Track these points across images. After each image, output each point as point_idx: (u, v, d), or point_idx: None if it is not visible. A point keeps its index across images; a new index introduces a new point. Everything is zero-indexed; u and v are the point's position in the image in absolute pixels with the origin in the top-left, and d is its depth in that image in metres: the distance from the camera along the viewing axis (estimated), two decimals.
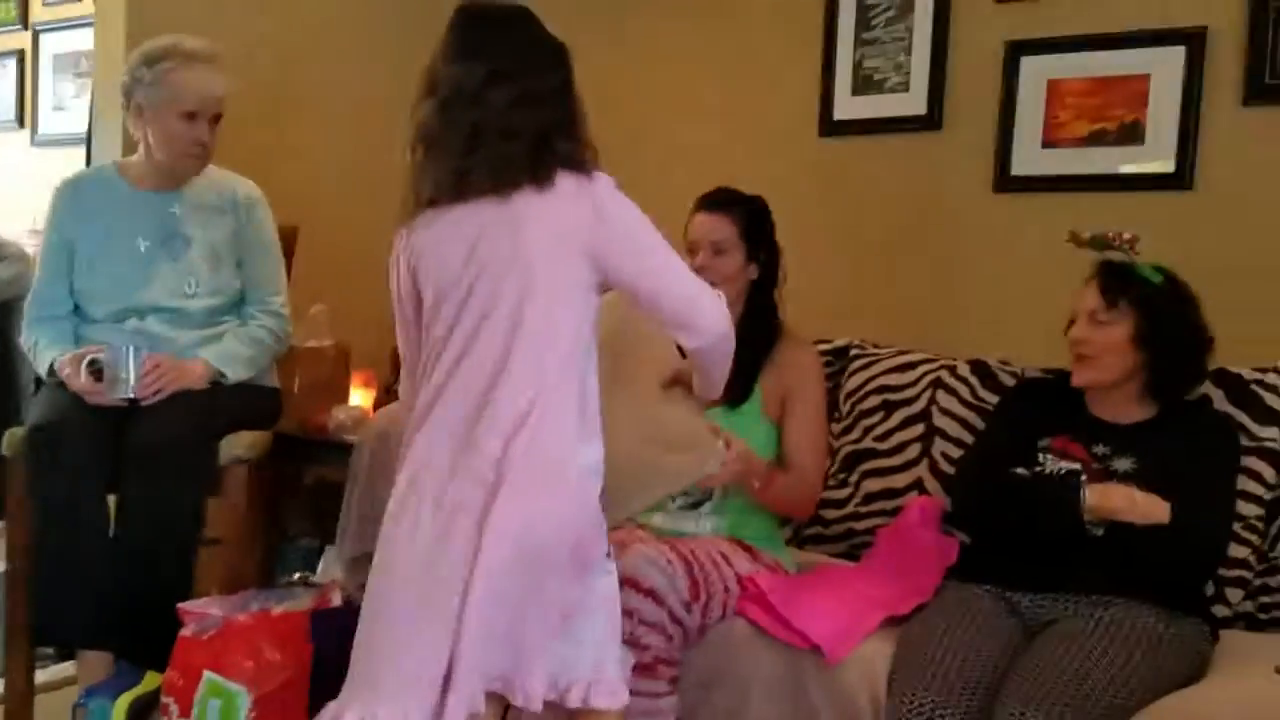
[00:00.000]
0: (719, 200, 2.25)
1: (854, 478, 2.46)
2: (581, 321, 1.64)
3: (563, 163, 1.63)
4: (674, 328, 1.70)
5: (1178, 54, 2.42)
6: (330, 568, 2.57)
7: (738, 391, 2.16)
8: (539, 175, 1.61)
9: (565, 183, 1.63)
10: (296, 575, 2.71)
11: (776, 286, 2.28)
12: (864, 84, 2.84)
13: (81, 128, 4.38)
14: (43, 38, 5.07)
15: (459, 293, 1.62)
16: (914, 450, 2.41)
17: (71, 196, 2.44)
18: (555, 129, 1.64)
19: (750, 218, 2.24)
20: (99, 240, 2.40)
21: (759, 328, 2.22)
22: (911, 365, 2.50)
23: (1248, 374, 2.13)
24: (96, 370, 2.24)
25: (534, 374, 1.59)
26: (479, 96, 1.62)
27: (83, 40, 4.66)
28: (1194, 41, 2.40)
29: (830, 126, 2.90)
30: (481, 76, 1.62)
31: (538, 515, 1.56)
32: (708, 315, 1.68)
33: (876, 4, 2.81)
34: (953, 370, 2.44)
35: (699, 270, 2.17)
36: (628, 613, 1.89)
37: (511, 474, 1.56)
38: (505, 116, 1.61)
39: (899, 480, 2.40)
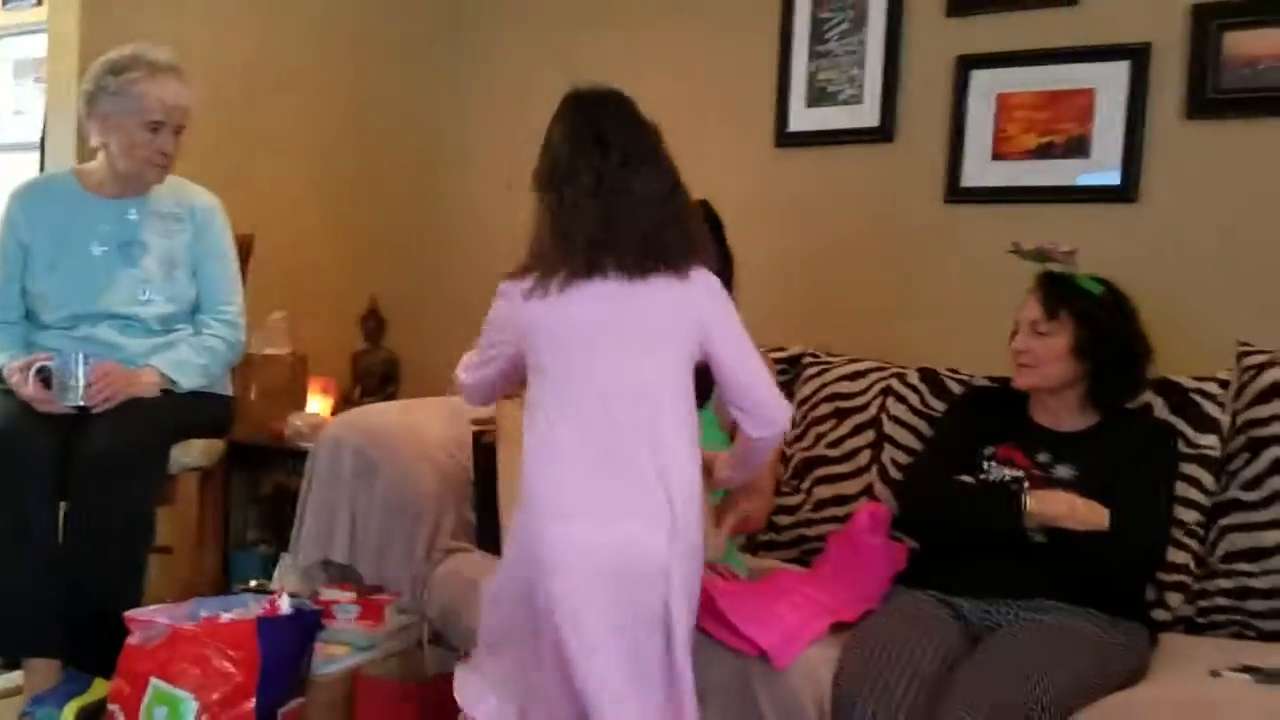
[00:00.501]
0: None
1: (806, 484, 2.48)
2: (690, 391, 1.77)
3: (688, 251, 1.75)
4: (753, 416, 1.77)
5: (1122, 69, 2.47)
6: (285, 575, 2.56)
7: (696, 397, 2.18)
8: (674, 263, 1.73)
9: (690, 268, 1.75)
10: (253, 582, 2.70)
11: (731, 289, 2.28)
12: (818, 96, 2.87)
13: (37, 134, 4.35)
14: (2, 42, 5.02)
15: (587, 358, 1.71)
16: (865, 457, 2.43)
17: (27, 200, 2.44)
18: (678, 217, 1.76)
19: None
20: (54, 245, 2.39)
21: None
22: (863, 373, 2.53)
23: (1188, 383, 2.17)
24: (45, 378, 2.23)
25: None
26: (620, 184, 1.72)
27: (43, 46, 4.63)
28: (1138, 57, 2.45)
29: (785, 137, 2.93)
30: (618, 163, 1.73)
31: None
32: (784, 411, 1.80)
33: (830, 17, 2.85)
34: (903, 378, 2.47)
35: None
36: None
37: None
38: (643, 204, 1.72)
39: (850, 487, 2.43)
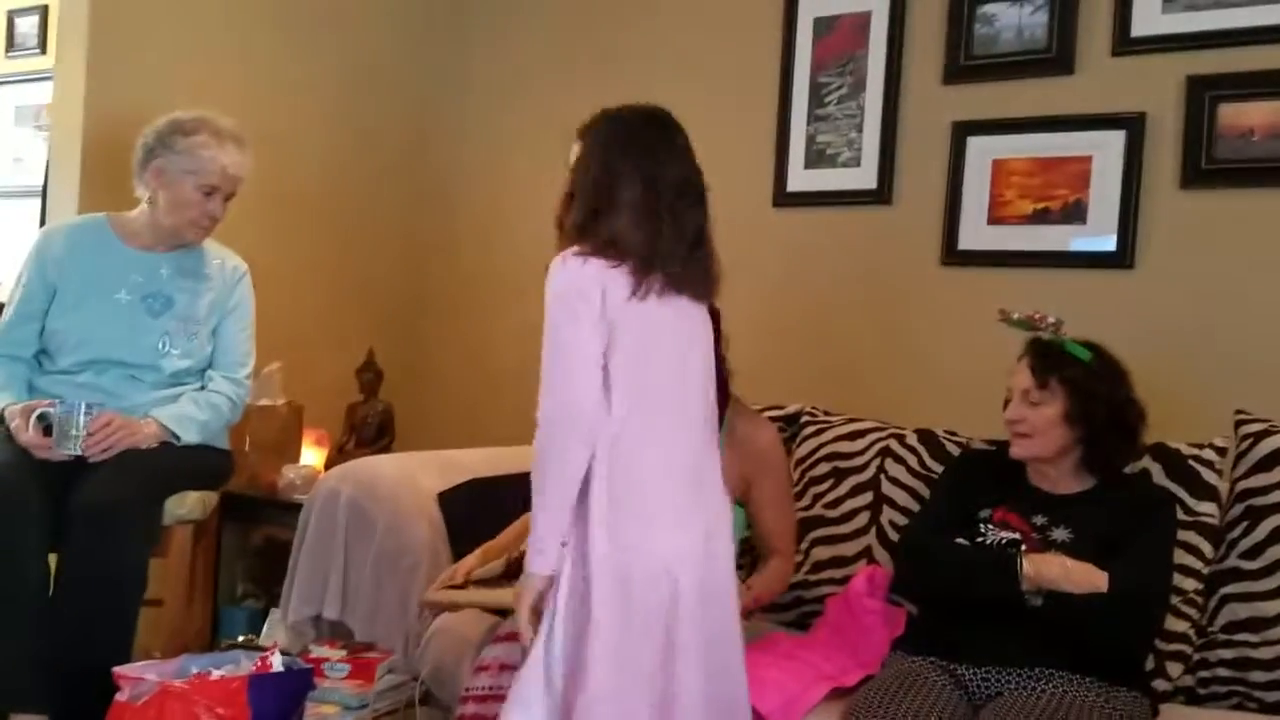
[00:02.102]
0: None
1: (804, 545, 2.47)
2: None
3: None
4: None
5: (1118, 138, 2.51)
6: (275, 630, 2.53)
7: None
8: (714, 291, 1.80)
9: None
10: (241, 638, 2.67)
11: (722, 345, 2.29)
12: (816, 158, 2.91)
13: (40, 180, 4.36)
14: (3, 90, 5.06)
15: (674, 374, 1.72)
16: (863, 519, 2.43)
17: (59, 241, 2.46)
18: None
19: None
20: (81, 287, 2.41)
21: None
22: (861, 433, 2.53)
23: (1185, 449, 2.17)
24: (47, 424, 2.22)
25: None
26: (698, 201, 1.75)
27: (44, 93, 4.66)
28: (1134, 126, 2.49)
29: (783, 197, 2.96)
30: (695, 180, 1.77)
31: None
32: None
33: (829, 82, 2.89)
34: (901, 439, 2.47)
35: None
36: None
37: None
38: (705, 227, 1.76)
39: (848, 549, 2.42)
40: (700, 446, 1.73)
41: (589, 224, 1.68)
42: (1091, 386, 1.99)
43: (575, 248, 1.67)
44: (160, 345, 2.41)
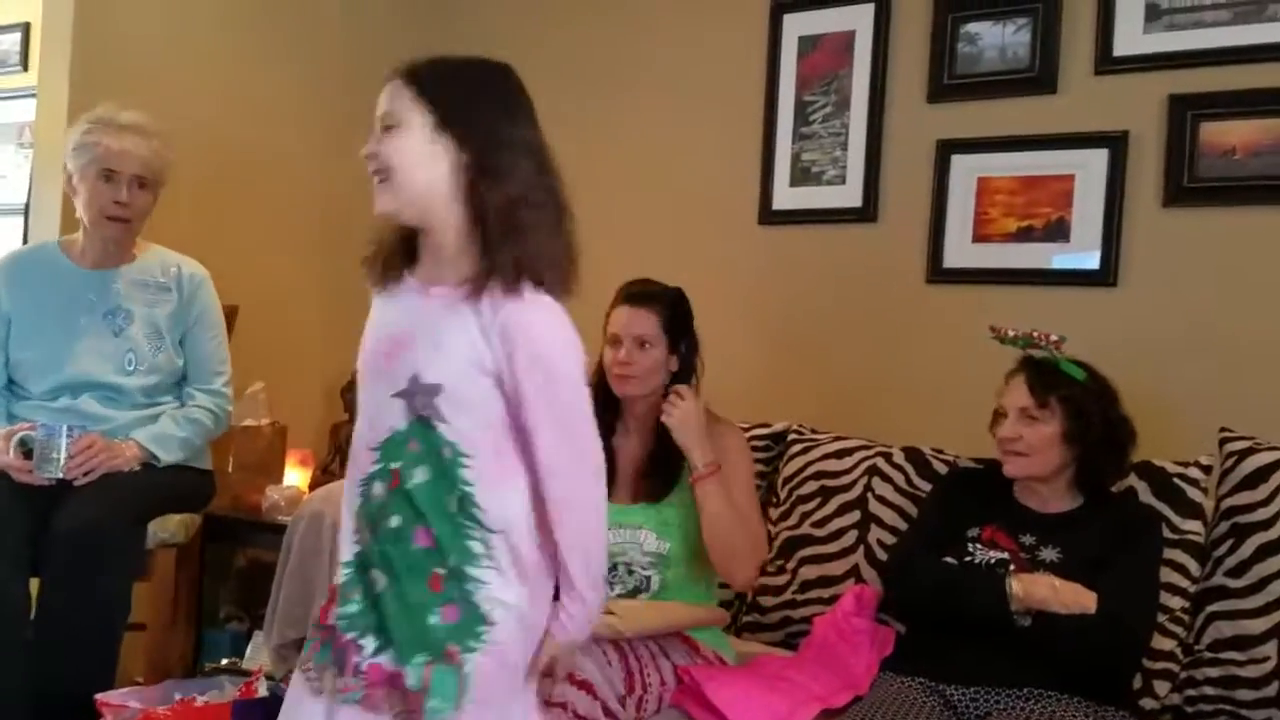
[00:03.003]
0: (642, 294, 2.24)
1: (791, 564, 2.47)
2: None
3: None
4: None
5: (1101, 156, 2.52)
6: (258, 654, 2.51)
7: (659, 487, 2.18)
8: None
9: None
10: (224, 661, 2.64)
11: (696, 377, 2.29)
12: (802, 176, 2.92)
13: (21, 198, 4.33)
14: None
15: None
16: (850, 537, 2.42)
17: (11, 272, 2.43)
18: None
19: (673, 310, 2.23)
20: (38, 315, 2.38)
21: None
22: (848, 451, 2.53)
23: (1171, 468, 2.18)
24: (27, 449, 2.20)
25: None
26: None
27: (26, 111, 4.64)
28: (1116, 145, 2.50)
29: (769, 215, 2.96)
30: None
31: None
32: None
33: (814, 100, 2.90)
34: (888, 457, 2.47)
35: (622, 364, 2.19)
36: (560, 705, 1.87)
37: None
38: None
39: (836, 568, 2.41)
40: None
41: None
42: (1088, 405, 2.00)
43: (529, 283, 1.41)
44: (127, 363, 2.38)
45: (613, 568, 2.23)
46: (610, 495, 2.22)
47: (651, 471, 2.22)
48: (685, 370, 2.27)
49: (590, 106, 3.27)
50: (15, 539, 2.13)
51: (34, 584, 2.18)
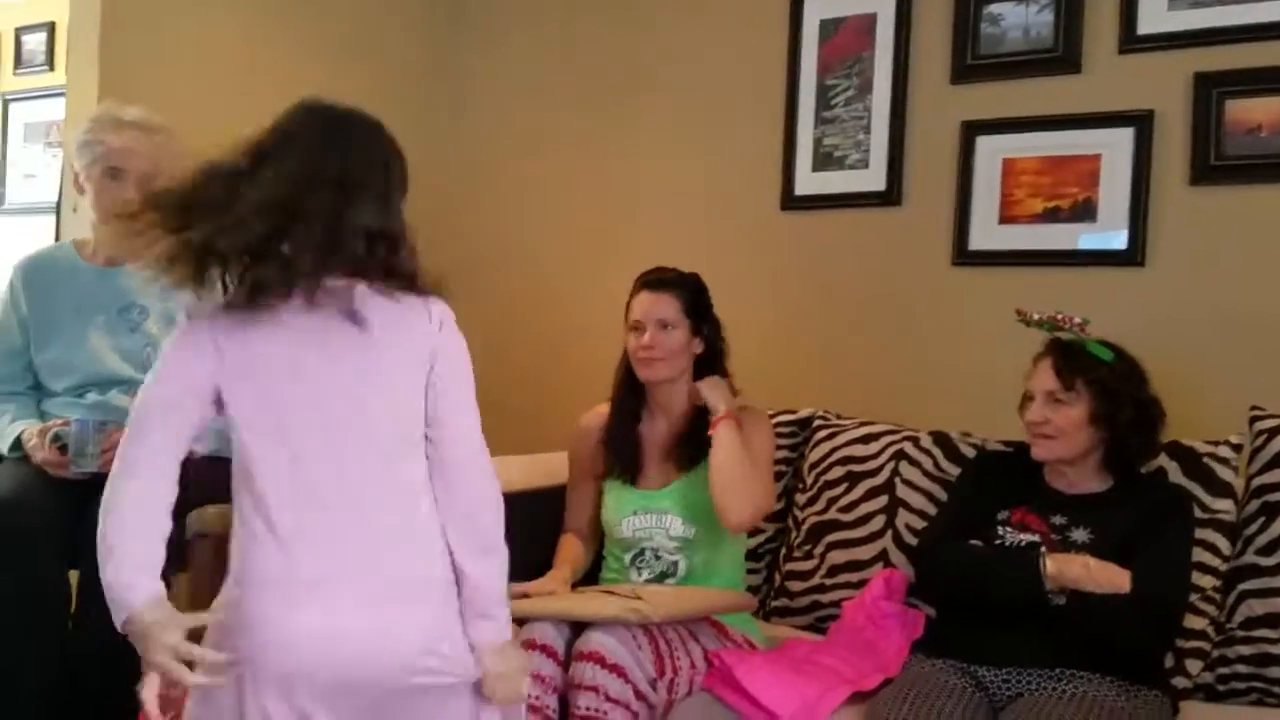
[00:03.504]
0: (660, 280, 2.29)
1: (819, 549, 2.47)
2: None
3: None
4: None
5: (1127, 136, 2.50)
6: None
7: (685, 460, 2.21)
8: None
9: None
10: None
11: (724, 358, 2.31)
12: (824, 160, 2.91)
13: (51, 196, 4.37)
14: (13, 106, 5.08)
15: None
16: (878, 522, 2.43)
17: (28, 275, 2.47)
18: None
19: (692, 294, 2.28)
20: (56, 316, 2.41)
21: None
22: (875, 436, 2.53)
23: (1201, 447, 2.17)
24: (62, 444, 2.23)
25: None
26: None
27: (54, 110, 4.69)
28: (1142, 123, 2.49)
29: (791, 201, 2.96)
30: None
31: None
32: None
33: (836, 84, 2.89)
34: (915, 441, 2.47)
35: (647, 347, 2.21)
36: (593, 688, 1.89)
37: None
38: None
39: (864, 552, 2.42)
40: None
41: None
42: (1116, 387, 1.99)
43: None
44: (146, 358, 2.41)
45: (640, 553, 2.25)
46: (637, 481, 2.27)
47: (678, 450, 2.24)
48: (710, 354, 2.29)
49: (612, 95, 3.28)
50: (55, 532, 2.16)
51: (73, 577, 2.22)
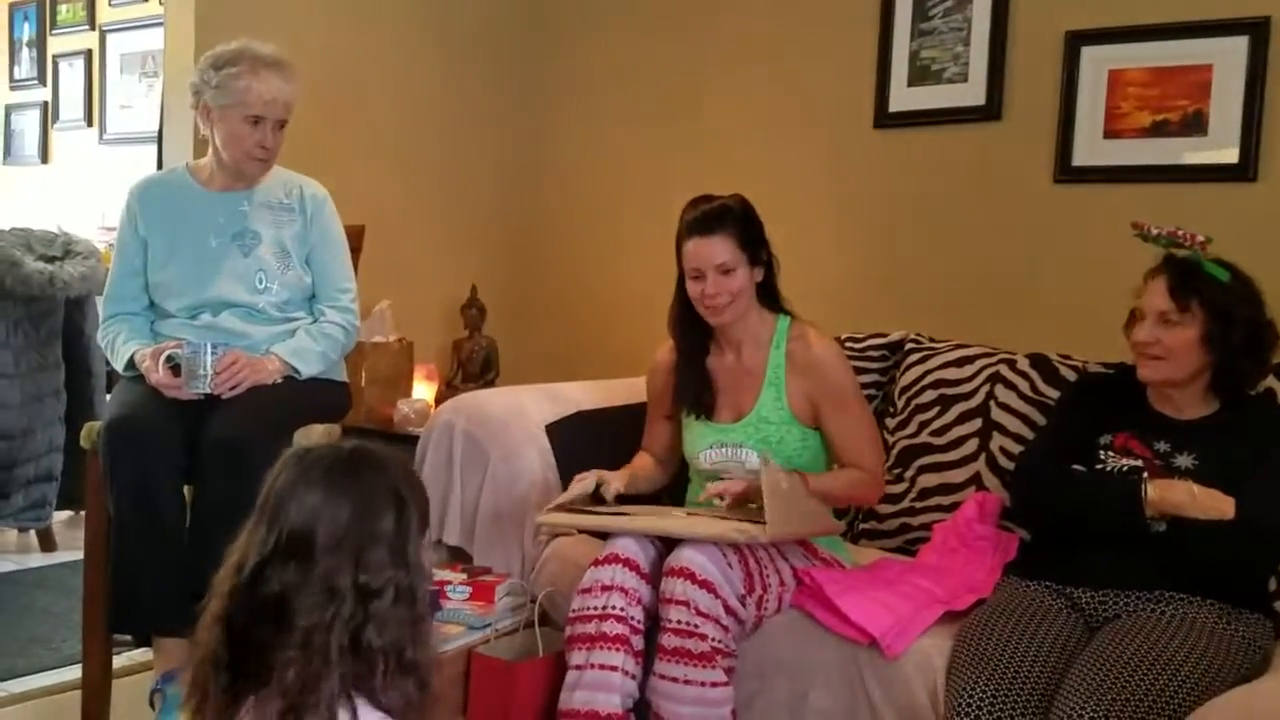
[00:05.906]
0: (709, 221, 2.17)
1: (909, 473, 2.46)
2: None
3: None
4: None
5: (1240, 44, 2.39)
6: None
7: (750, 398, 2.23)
8: None
9: None
10: None
11: (775, 276, 2.27)
12: (920, 74, 2.83)
13: (147, 126, 4.48)
14: (110, 37, 5.19)
15: None
16: (971, 445, 2.40)
17: (144, 197, 2.53)
18: None
19: (742, 225, 2.18)
20: (171, 238, 2.48)
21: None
22: (969, 359, 2.49)
23: None
24: (174, 365, 2.32)
25: None
26: None
27: (149, 40, 4.78)
28: (1257, 31, 2.37)
29: (885, 118, 2.89)
30: None
31: None
32: None
33: None
34: (1012, 364, 2.43)
35: (710, 295, 2.17)
36: (683, 602, 1.92)
37: None
38: None
39: (956, 476, 2.40)
40: None
41: None
42: (1231, 309, 1.92)
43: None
44: (258, 282, 2.47)
45: None
46: (712, 415, 2.27)
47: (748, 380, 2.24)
48: (770, 277, 2.24)
49: (697, 8, 3.22)
50: (171, 450, 2.25)
51: (188, 492, 2.32)
